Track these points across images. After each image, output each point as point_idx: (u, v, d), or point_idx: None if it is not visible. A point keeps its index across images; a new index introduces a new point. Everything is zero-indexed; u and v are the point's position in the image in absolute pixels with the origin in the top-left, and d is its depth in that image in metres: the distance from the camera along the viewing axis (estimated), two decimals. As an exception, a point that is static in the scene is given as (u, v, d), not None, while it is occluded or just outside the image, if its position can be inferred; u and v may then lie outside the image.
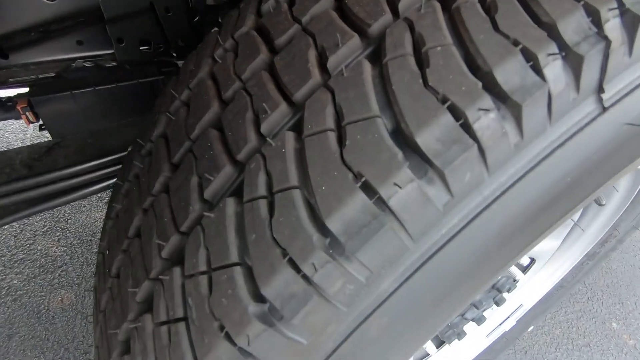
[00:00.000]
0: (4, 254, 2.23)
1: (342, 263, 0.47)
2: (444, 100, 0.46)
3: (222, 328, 0.50)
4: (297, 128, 0.55)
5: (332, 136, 0.50)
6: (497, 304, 1.29)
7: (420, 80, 0.48)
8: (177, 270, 0.58)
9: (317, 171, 0.48)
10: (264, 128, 0.56)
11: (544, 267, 1.46)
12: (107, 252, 0.76)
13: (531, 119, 0.47)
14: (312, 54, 0.57)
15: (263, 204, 0.51)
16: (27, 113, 1.32)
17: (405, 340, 0.59)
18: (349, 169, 0.47)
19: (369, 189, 0.46)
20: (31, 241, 2.30)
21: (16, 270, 2.17)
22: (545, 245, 1.39)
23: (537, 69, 0.46)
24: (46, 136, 2.84)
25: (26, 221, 2.39)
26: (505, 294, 1.28)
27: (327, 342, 0.52)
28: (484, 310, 1.25)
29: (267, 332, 0.49)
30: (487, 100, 0.45)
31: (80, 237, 2.34)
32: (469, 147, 0.45)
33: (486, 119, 0.45)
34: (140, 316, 0.62)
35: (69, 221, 2.41)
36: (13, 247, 2.27)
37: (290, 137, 0.53)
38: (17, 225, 2.37)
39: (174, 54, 1.42)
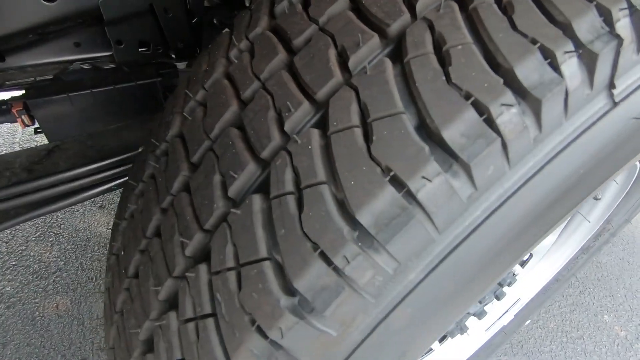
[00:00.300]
0: (-4, 261, 2.18)
1: (371, 255, 0.49)
2: (467, 97, 0.48)
3: (253, 322, 0.51)
4: (321, 125, 0.56)
5: (358, 132, 0.51)
6: (498, 298, 1.32)
7: (443, 78, 0.50)
8: (203, 268, 0.58)
9: (345, 166, 0.50)
10: (287, 126, 0.57)
11: (541, 261, 1.50)
12: (123, 253, 0.76)
13: (549, 114, 0.49)
14: (332, 54, 0.58)
15: (291, 200, 0.52)
16: (22, 116, 1.30)
17: (426, 331, 0.61)
18: (377, 163, 0.49)
19: (397, 183, 0.48)
20: (23, 247, 2.26)
21: (9, 277, 2.13)
22: (543, 241, 1.43)
23: (555, 66, 0.48)
24: (36, 140, 2.80)
25: (18, 227, 2.35)
26: (505, 288, 1.31)
27: (354, 333, 0.54)
28: (486, 304, 1.28)
29: (298, 325, 0.50)
30: (509, 96, 0.47)
31: (74, 242, 2.31)
32: (492, 140, 0.47)
33: (508, 114, 0.47)
34: (164, 314, 0.63)
35: (62, 226, 2.38)
36: (5, 253, 2.22)
37: (315, 134, 0.54)
38: (9, 232, 2.33)
39: (173, 56, 1.42)
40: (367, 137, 0.51)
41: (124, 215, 0.81)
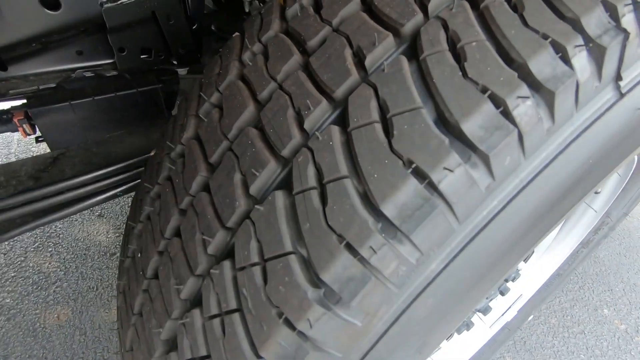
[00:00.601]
0: (-5, 272, 2.16)
1: (395, 246, 0.51)
2: (484, 90, 0.50)
3: (280, 315, 0.53)
4: (340, 122, 0.58)
5: (378, 128, 0.53)
6: (502, 294, 1.34)
7: (460, 73, 0.52)
8: (226, 264, 0.59)
9: (367, 161, 0.52)
10: (307, 124, 0.58)
11: (542, 257, 1.53)
12: (140, 255, 0.77)
13: (562, 106, 0.51)
14: (348, 53, 0.60)
15: (315, 195, 0.54)
16: (24, 125, 1.31)
17: (446, 321, 0.62)
18: (399, 157, 0.51)
19: (419, 175, 0.50)
20: (22, 258, 2.24)
21: (8, 289, 2.11)
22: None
23: (566, 60, 0.50)
24: (32, 151, 2.78)
25: (16, 238, 2.33)
26: (509, 284, 1.33)
27: (378, 324, 0.55)
28: (491, 300, 1.30)
29: (326, 316, 0.51)
30: (524, 89, 0.49)
31: (74, 252, 2.29)
32: (510, 132, 0.49)
33: (524, 106, 0.49)
34: (186, 313, 0.63)
35: (61, 236, 2.36)
36: (3, 265, 2.20)
37: (335, 130, 0.56)
38: (7, 243, 2.31)
39: (174, 62, 1.43)
40: (388, 132, 0.53)
41: (138, 218, 0.82)
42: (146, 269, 0.74)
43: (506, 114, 0.49)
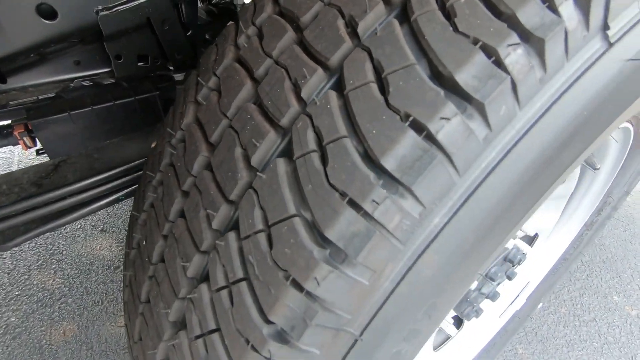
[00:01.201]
0: (-1, 291, 2.15)
1: (397, 199, 0.51)
2: (475, 42, 0.51)
3: (287, 277, 0.53)
4: (336, 88, 0.59)
5: (374, 87, 0.54)
6: (510, 278, 1.33)
7: (451, 29, 0.53)
8: (232, 235, 0.60)
9: (365, 119, 0.52)
10: (304, 92, 0.59)
11: (547, 241, 1.52)
12: (145, 242, 0.77)
13: (552, 54, 0.52)
14: (340, 23, 0.62)
15: (315, 157, 0.54)
16: (24, 138, 1.32)
17: (453, 282, 0.62)
18: (396, 112, 0.51)
19: (417, 127, 0.50)
20: (26, 276, 2.24)
21: (13, 308, 2.10)
22: (546, 219, 1.45)
23: (553, 9, 0.52)
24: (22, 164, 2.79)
25: (19, 256, 2.32)
26: (517, 268, 1.33)
27: (385, 282, 0.55)
28: (498, 284, 1.29)
29: (333, 274, 0.51)
30: (514, 37, 0.50)
31: (77, 267, 2.28)
32: (503, 80, 0.50)
33: (515, 55, 0.50)
34: (194, 289, 0.63)
35: (64, 252, 2.36)
36: (7, 284, 2.19)
37: (332, 95, 0.57)
38: (10, 262, 2.30)
39: (171, 68, 1.45)
40: (383, 90, 0.54)
41: (142, 208, 0.82)
42: (152, 255, 0.74)
43: (498, 62, 0.50)
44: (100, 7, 1.07)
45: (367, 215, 0.51)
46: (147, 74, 1.46)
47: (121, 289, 2.08)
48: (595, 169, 1.25)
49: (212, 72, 0.76)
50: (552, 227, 1.48)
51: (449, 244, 0.56)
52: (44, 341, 1.97)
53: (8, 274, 2.25)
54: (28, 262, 2.30)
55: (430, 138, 0.50)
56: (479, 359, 1.51)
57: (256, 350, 0.54)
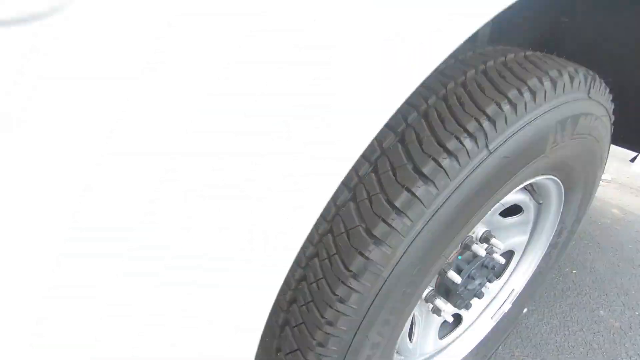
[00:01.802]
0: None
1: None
2: None
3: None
4: None
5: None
6: (490, 281, 1.83)
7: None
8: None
9: None
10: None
11: (522, 257, 2.01)
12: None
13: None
14: None
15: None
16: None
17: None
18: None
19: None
20: None
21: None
22: (518, 240, 1.96)
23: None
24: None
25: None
26: (492, 282, 1.82)
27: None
28: (481, 285, 1.78)
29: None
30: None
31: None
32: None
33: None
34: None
35: None
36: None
37: None
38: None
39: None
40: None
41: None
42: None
43: None
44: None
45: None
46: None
47: None
48: (540, 203, 1.75)
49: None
50: (524, 246, 1.97)
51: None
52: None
53: None
54: None
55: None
56: None
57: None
